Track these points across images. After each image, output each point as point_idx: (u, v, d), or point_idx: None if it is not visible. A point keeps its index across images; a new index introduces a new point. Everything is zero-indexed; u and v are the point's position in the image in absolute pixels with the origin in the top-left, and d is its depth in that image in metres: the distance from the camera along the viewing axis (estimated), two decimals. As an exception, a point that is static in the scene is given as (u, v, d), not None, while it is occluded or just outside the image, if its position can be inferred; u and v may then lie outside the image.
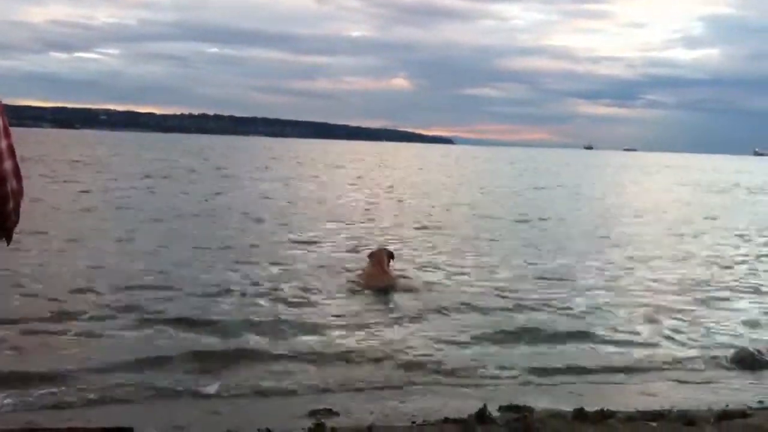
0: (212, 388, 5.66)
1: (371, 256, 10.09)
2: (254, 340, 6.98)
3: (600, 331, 7.80)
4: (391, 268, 9.90)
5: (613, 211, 22.06)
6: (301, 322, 7.67)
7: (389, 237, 14.35)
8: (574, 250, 13.50)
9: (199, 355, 6.42)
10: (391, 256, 10.13)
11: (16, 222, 3.60)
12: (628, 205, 24.98)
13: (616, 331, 7.87)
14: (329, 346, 6.88)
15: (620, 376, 6.47)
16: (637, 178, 50.45)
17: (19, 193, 3.52)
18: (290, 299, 8.65)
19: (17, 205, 3.54)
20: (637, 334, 7.81)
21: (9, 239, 3.62)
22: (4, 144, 3.41)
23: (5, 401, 5.26)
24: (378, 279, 9.50)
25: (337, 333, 7.35)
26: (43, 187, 21.47)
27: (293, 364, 6.33)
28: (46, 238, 12.23)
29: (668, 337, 7.71)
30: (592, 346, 7.35)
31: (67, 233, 13.03)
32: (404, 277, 10.10)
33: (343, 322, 7.76)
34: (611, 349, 7.24)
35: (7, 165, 3.42)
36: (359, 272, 9.97)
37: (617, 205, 25.03)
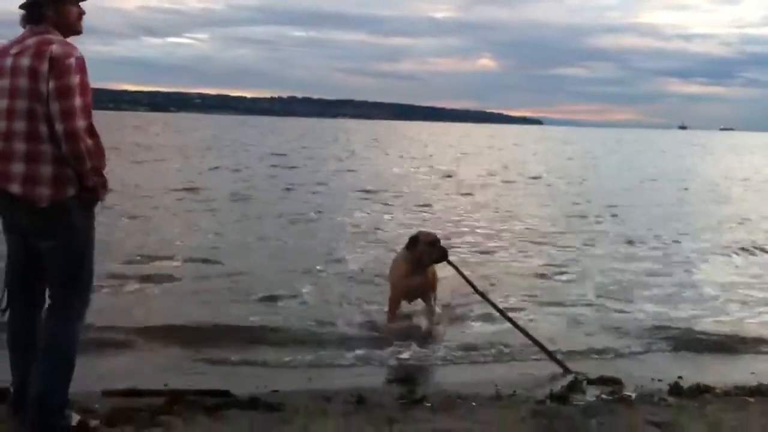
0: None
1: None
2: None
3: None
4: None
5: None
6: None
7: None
8: None
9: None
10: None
11: (102, 183, 3.48)
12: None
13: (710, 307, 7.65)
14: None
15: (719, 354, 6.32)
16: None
17: (96, 153, 3.41)
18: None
19: (98, 166, 3.45)
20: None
21: (95, 201, 3.50)
22: (78, 101, 3.31)
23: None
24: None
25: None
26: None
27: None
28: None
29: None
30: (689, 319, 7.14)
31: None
32: None
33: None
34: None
35: (81, 123, 3.31)
36: None
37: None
